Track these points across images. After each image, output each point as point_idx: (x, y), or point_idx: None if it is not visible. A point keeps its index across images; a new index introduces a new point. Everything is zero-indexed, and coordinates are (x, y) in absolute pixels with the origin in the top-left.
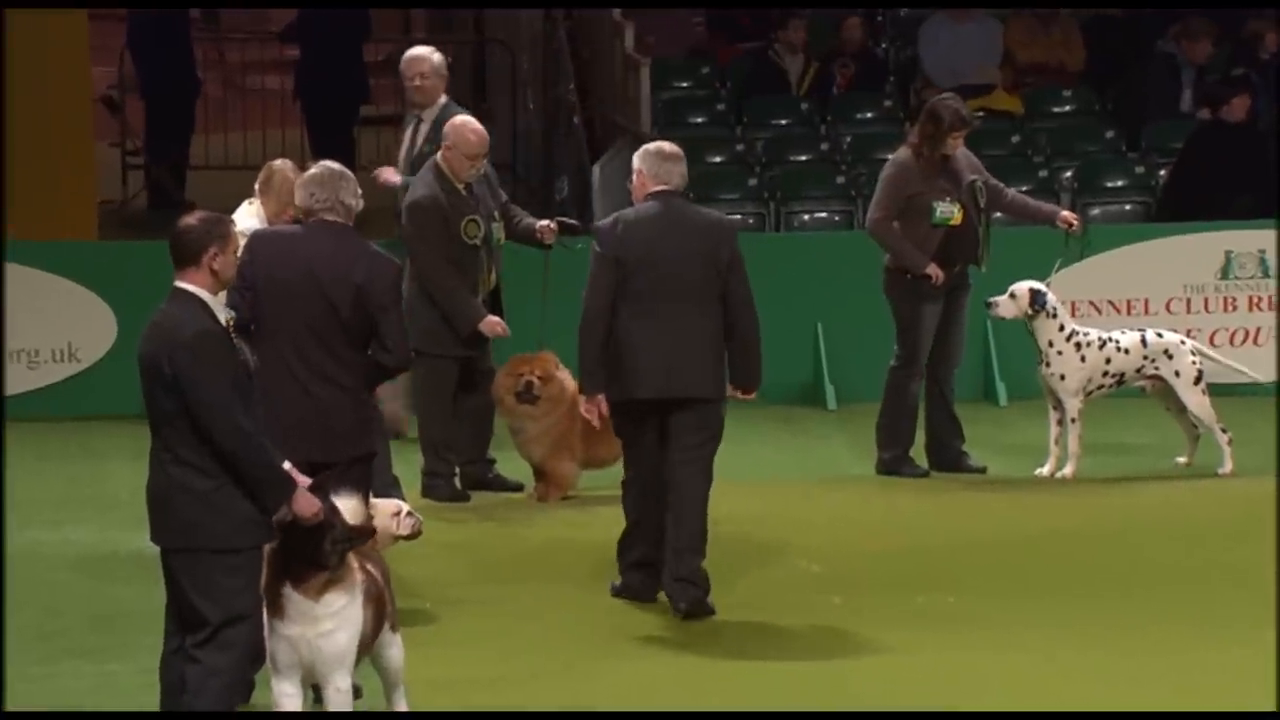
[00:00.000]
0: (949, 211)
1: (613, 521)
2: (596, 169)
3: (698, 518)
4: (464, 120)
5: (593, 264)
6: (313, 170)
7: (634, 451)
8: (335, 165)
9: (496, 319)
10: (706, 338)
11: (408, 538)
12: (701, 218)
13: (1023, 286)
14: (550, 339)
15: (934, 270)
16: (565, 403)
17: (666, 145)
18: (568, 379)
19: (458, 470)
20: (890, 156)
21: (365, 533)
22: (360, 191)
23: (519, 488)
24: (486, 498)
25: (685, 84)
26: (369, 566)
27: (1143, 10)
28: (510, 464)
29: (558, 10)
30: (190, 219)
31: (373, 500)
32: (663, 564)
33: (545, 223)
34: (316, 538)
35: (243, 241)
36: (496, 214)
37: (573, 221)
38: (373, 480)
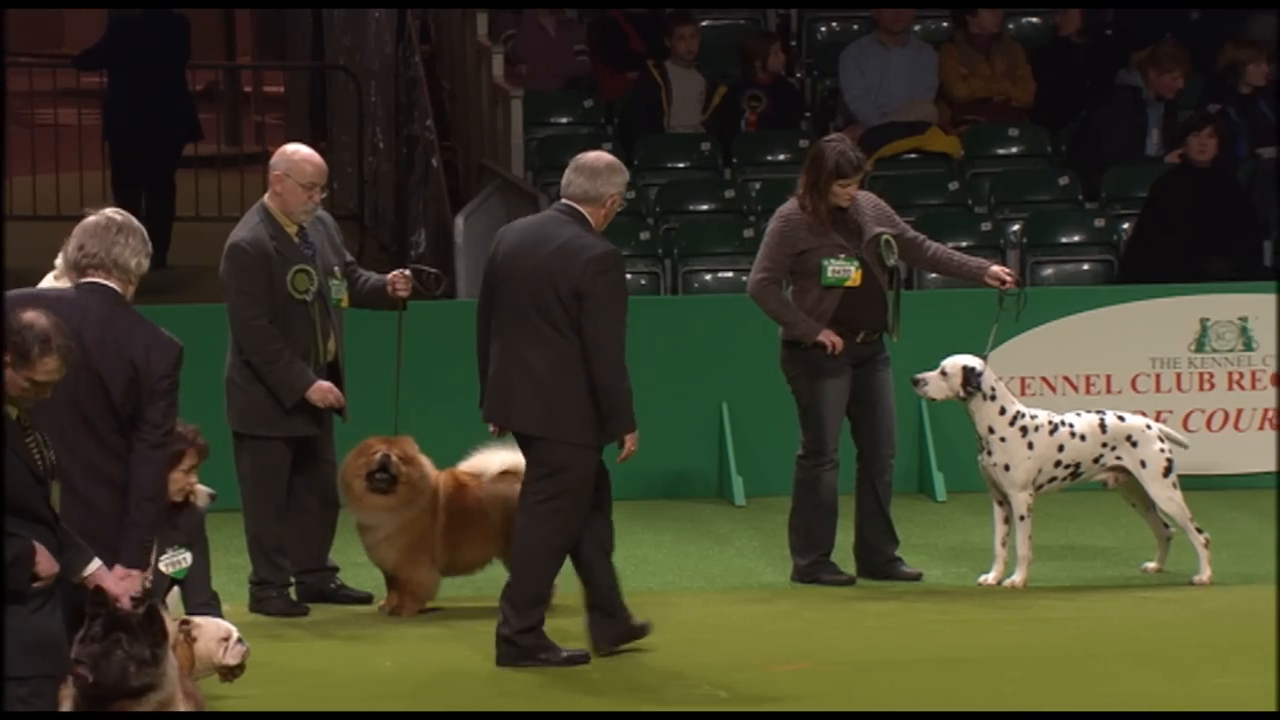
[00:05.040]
0: (844, 270)
1: (484, 635)
2: (460, 220)
3: (524, 572)
4: (295, 147)
5: None
6: (90, 218)
7: None
8: (118, 215)
9: (329, 385)
10: (546, 368)
11: (233, 669)
12: (560, 239)
13: (956, 363)
14: (409, 421)
15: (828, 338)
16: (426, 495)
17: (591, 155)
18: (429, 467)
19: (293, 579)
20: (778, 209)
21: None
22: (149, 250)
23: (368, 599)
24: (328, 611)
25: (564, 120)
26: (179, 700)
27: (1102, 36)
28: (357, 571)
29: (413, 32)
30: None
31: (196, 620)
32: (604, 607)
33: (397, 272)
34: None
35: None
36: (337, 270)
37: (432, 270)
38: (188, 598)
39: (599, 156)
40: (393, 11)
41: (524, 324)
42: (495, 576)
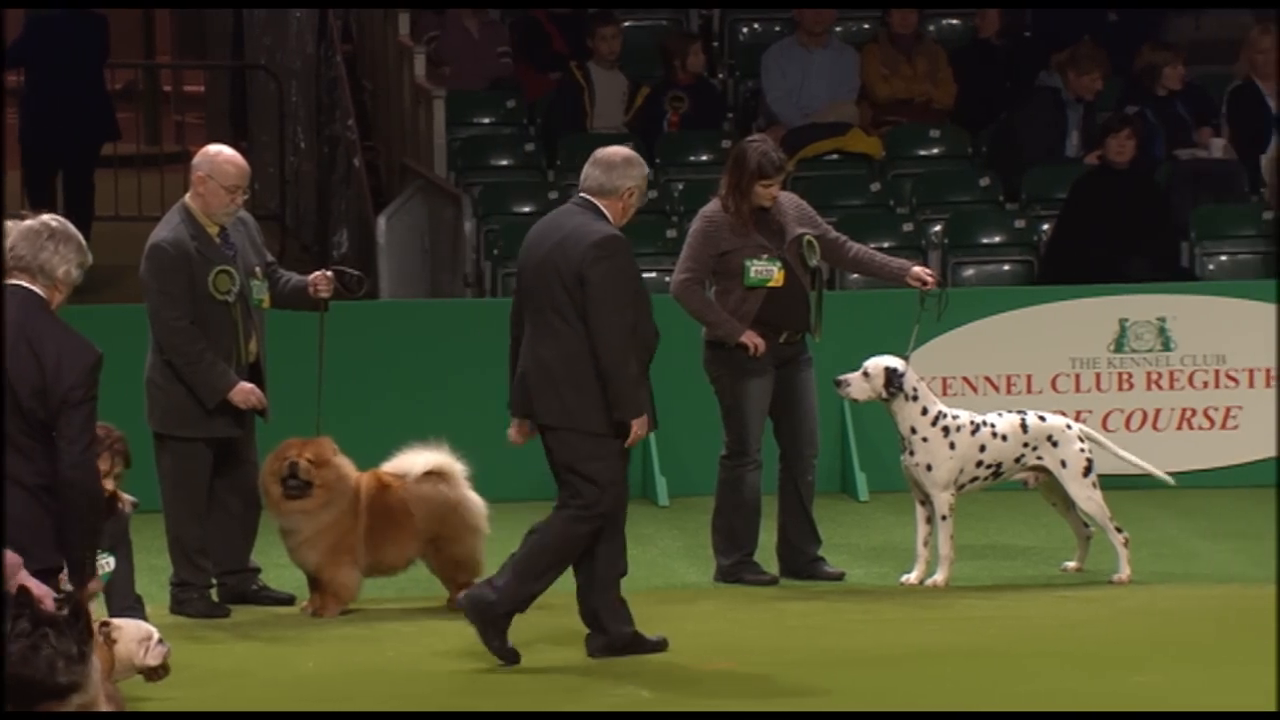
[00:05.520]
0: (766, 271)
1: (408, 636)
2: (382, 220)
3: (538, 550)
4: (218, 148)
5: None
6: (27, 221)
7: None
8: (55, 222)
9: (251, 387)
10: (557, 359)
11: (154, 670)
12: (568, 228)
13: (879, 363)
14: (332, 422)
15: (751, 339)
16: (346, 496)
17: (610, 149)
18: (348, 468)
19: (214, 581)
20: (701, 210)
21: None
22: (83, 259)
23: (289, 600)
24: (250, 613)
25: (486, 120)
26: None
27: (1021, 38)
28: (279, 572)
29: (334, 32)
30: None
31: (116, 622)
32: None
33: (319, 273)
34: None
35: None
36: (258, 270)
37: (354, 272)
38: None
39: (616, 150)
40: (314, 11)
41: (538, 316)
42: (419, 577)
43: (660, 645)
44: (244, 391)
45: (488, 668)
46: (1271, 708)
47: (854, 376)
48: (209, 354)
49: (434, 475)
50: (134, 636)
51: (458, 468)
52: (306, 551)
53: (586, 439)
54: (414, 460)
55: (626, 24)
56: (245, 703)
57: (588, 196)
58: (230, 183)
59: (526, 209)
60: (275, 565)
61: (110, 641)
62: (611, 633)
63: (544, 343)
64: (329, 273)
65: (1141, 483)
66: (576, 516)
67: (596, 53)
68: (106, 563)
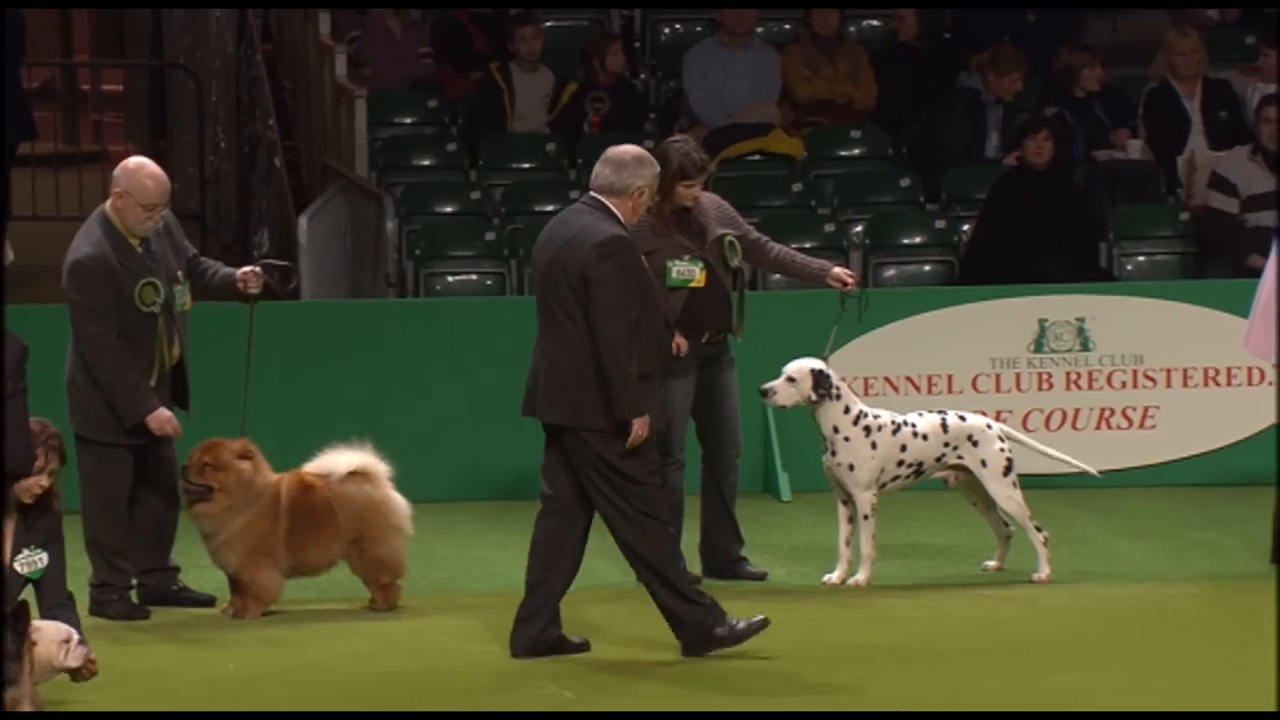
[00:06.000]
0: (688, 271)
1: (330, 637)
2: (303, 220)
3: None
4: (139, 163)
5: None
6: None
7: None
8: None
9: (168, 415)
10: (562, 357)
11: (75, 672)
12: (575, 228)
13: (802, 367)
14: (255, 422)
15: (674, 340)
16: (256, 498)
17: (621, 148)
18: (262, 470)
19: (135, 582)
20: None
21: None
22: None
23: (210, 601)
24: (170, 614)
25: (408, 120)
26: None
27: (941, 39)
28: (200, 573)
29: (254, 31)
30: None
31: (35, 624)
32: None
33: (248, 268)
34: None
35: None
36: (180, 274)
37: (282, 262)
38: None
39: (627, 149)
40: (234, 10)
41: (548, 316)
42: (340, 578)
43: (583, 646)
44: (160, 420)
45: (409, 668)
46: (1188, 705)
47: (779, 384)
48: (133, 374)
49: (358, 475)
50: (54, 638)
51: (381, 468)
52: (226, 554)
53: (594, 437)
54: (337, 460)
55: (548, 24)
56: (166, 704)
57: (597, 195)
58: (149, 200)
59: (449, 209)
60: (196, 566)
61: (30, 644)
62: (539, 633)
63: (554, 342)
64: (258, 269)
65: (1061, 482)
66: (636, 513)
67: (516, 54)
68: (39, 559)
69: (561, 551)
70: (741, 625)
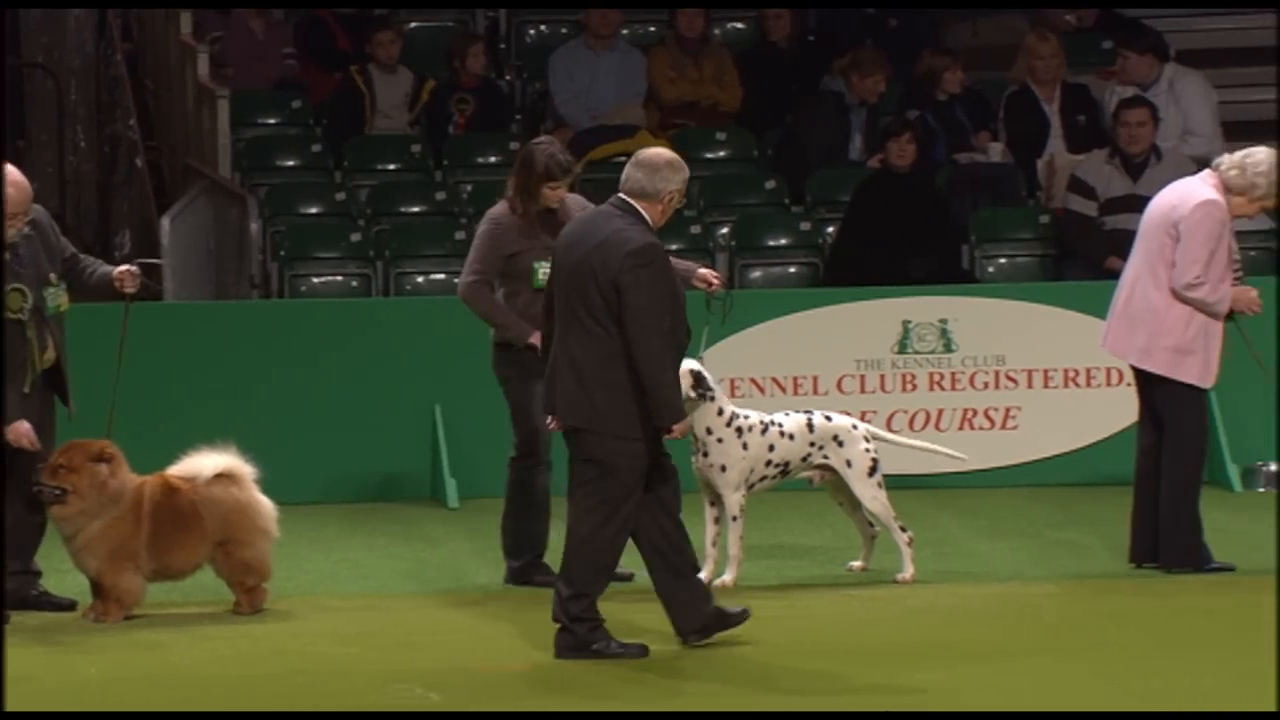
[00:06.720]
0: None
1: (193, 641)
2: (166, 221)
3: (572, 560)
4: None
5: None
6: None
7: None
8: None
9: (26, 428)
10: (589, 361)
11: None
12: (605, 233)
13: (681, 368)
14: (118, 425)
15: (540, 341)
16: (112, 501)
17: (653, 150)
18: (122, 471)
19: None
20: (488, 212)
21: None
22: None
23: (71, 606)
24: (31, 618)
25: (272, 120)
26: None
27: (806, 41)
28: (61, 577)
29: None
30: None
31: None
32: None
33: (125, 268)
34: None
35: None
36: (54, 276)
37: (157, 260)
38: None
39: (659, 153)
40: (93, 9)
41: (570, 317)
42: (205, 582)
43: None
44: (17, 432)
45: (274, 671)
46: (1047, 705)
47: None
48: None
49: (223, 478)
50: None
51: (246, 470)
52: (86, 557)
53: (618, 443)
54: (203, 463)
55: (412, 25)
56: (27, 708)
57: (627, 198)
58: (10, 209)
59: (313, 210)
60: (57, 570)
61: None
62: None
63: (578, 342)
64: (134, 268)
65: (925, 482)
66: (596, 503)
67: (375, 57)
68: None
69: (647, 547)
70: (617, 646)
